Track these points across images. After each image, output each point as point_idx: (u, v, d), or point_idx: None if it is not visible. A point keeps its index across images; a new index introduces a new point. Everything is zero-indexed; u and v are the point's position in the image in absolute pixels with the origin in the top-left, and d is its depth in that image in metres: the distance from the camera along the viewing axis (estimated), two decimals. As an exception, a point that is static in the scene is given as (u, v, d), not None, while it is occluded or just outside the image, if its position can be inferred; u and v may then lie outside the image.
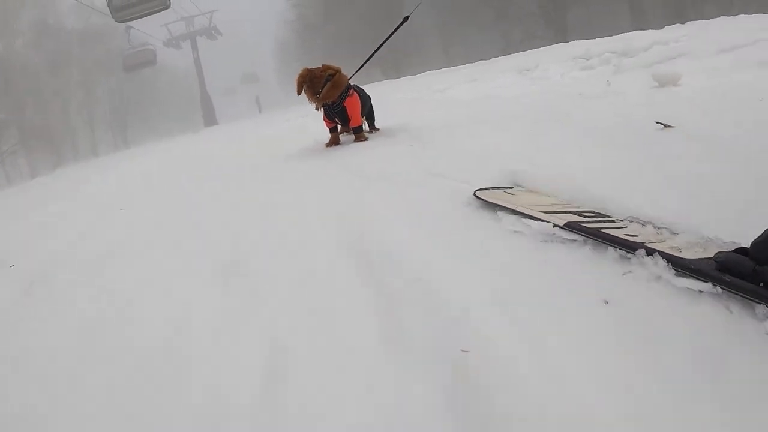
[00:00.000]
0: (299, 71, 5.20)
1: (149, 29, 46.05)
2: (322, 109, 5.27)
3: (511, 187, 2.59)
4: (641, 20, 33.41)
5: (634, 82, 5.45)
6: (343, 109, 5.21)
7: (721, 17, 8.91)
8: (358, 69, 5.81)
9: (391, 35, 5.76)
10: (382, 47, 5.75)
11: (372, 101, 5.88)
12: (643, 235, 1.83)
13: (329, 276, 2.12)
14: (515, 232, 2.17)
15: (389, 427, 1.34)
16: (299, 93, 5.20)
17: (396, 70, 38.55)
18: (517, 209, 2.21)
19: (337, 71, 5.16)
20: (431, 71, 19.65)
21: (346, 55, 44.89)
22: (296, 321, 1.81)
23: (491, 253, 2.03)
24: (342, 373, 1.53)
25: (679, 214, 1.95)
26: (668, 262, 1.66)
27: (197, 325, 1.93)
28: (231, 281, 2.27)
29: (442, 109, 6.68)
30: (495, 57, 17.14)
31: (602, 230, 1.86)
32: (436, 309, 1.71)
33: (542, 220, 2.06)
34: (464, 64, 18.05)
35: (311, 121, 7.69)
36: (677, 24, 9.29)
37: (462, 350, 1.50)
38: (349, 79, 5.47)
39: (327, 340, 1.67)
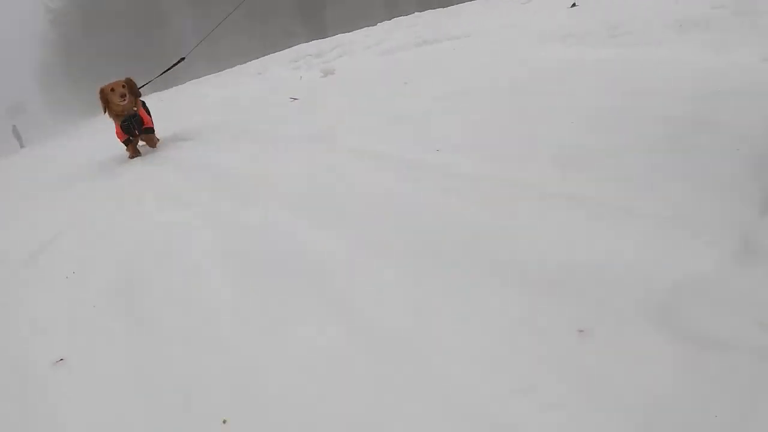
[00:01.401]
0: (99, 89, 5.28)
1: None
2: (116, 123, 5.37)
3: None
4: (395, 11, 36.54)
5: (314, 74, 8.42)
6: (139, 118, 5.40)
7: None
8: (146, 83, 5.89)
9: (165, 72, 6.21)
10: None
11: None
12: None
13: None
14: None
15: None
16: (105, 111, 5.29)
17: (164, 82, 38.93)
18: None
19: (128, 80, 5.34)
20: (197, 79, 22.07)
21: (110, 68, 44.49)
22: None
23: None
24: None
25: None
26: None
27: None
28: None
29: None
30: (253, 58, 19.67)
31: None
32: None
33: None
34: (228, 68, 20.79)
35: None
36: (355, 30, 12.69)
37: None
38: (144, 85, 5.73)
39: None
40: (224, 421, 1.40)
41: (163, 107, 10.07)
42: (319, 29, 37.29)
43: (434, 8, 13.47)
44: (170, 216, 3.10)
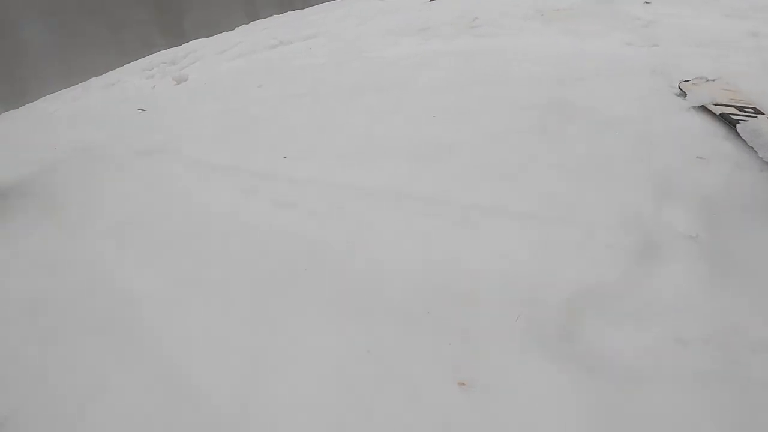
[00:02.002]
0: None
1: None
2: None
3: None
4: (253, 16, 36.59)
5: (167, 82, 8.00)
6: None
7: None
8: None
9: None
10: None
11: None
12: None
13: None
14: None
15: None
16: None
17: (20, 97, 36.88)
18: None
19: None
20: (51, 94, 20.75)
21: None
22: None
23: None
24: None
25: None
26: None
27: None
28: None
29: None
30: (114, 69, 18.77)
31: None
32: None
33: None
34: (86, 79, 19.65)
35: None
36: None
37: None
38: None
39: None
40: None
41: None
42: (178, 37, 36.32)
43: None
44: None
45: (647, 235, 1.49)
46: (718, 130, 2.18)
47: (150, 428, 1.33)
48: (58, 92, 21.13)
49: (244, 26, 12.56)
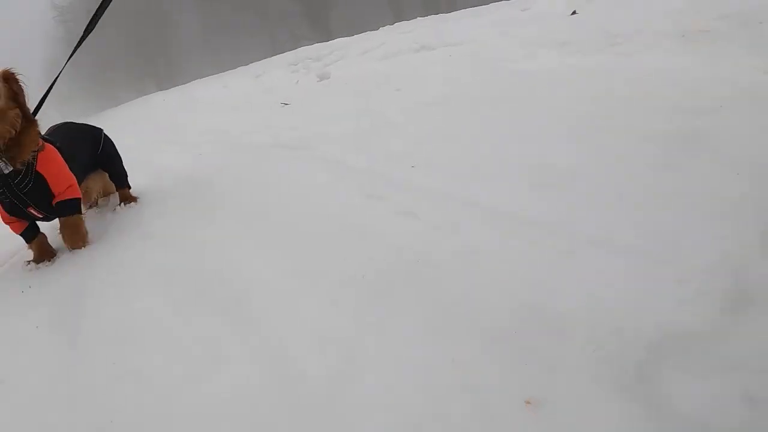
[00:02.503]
0: None
1: None
2: None
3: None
4: (399, 15, 37.02)
5: (311, 78, 8.29)
6: (39, 179, 2.73)
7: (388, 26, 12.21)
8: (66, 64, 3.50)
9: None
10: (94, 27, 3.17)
11: (105, 132, 3.55)
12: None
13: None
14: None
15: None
16: None
17: (170, 81, 39.52)
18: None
19: (14, 96, 2.66)
20: (199, 79, 22.10)
21: (118, 67, 45.05)
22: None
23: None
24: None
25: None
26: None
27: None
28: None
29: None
30: (260, 60, 19.70)
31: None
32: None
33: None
34: (235, 67, 20.82)
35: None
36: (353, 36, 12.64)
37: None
38: (41, 104, 3.12)
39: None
40: None
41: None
42: (324, 33, 37.44)
43: (438, 14, 13.43)
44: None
45: (744, 285, 1.43)
46: None
47: (254, 396, 1.48)
48: (207, 77, 22.39)
49: (388, 27, 12.73)
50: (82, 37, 3.39)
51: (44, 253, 2.93)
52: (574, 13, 6.48)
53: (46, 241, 2.99)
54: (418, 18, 13.30)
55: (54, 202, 2.82)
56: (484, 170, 2.53)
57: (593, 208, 1.99)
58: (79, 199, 2.92)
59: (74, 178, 2.91)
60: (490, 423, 1.22)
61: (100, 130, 3.52)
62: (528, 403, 1.23)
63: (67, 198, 2.83)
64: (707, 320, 1.35)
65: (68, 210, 2.86)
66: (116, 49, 43.57)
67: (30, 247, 2.97)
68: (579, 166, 2.32)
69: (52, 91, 3.34)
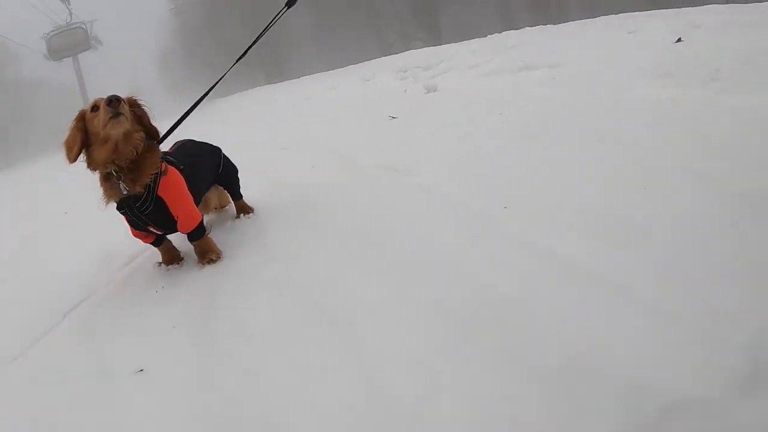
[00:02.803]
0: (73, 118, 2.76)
1: (27, 41, 44.58)
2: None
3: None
4: (508, 20, 36.58)
5: (418, 88, 8.62)
6: (160, 203, 2.86)
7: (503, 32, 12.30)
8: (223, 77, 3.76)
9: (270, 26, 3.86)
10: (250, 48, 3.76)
11: (224, 152, 3.70)
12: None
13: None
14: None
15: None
16: (74, 160, 2.71)
17: (279, 73, 40.55)
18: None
19: (138, 119, 2.82)
20: (307, 76, 22.90)
21: (228, 60, 46.07)
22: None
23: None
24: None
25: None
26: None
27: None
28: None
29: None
30: (369, 59, 20.11)
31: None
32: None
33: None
34: (342, 66, 21.49)
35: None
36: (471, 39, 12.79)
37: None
38: (169, 133, 3.26)
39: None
40: None
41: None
42: (433, 33, 37.36)
43: (543, 23, 13.37)
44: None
45: (762, 365, 1.49)
46: None
47: (350, 406, 1.70)
48: (316, 74, 22.93)
49: (496, 35, 12.83)
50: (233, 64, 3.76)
51: (173, 258, 3.23)
52: (679, 40, 6.50)
53: (173, 245, 3.25)
54: (527, 28, 13.30)
55: (182, 233, 3.06)
56: (568, 218, 2.60)
57: (652, 269, 2.04)
58: (201, 222, 3.10)
59: (193, 204, 3.07)
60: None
61: (219, 149, 3.68)
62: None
63: (191, 228, 3.03)
64: (720, 394, 1.43)
65: (196, 236, 3.08)
66: (230, 38, 45.21)
67: (161, 250, 3.23)
68: (652, 224, 2.36)
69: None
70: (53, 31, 42.84)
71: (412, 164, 3.96)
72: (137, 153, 2.74)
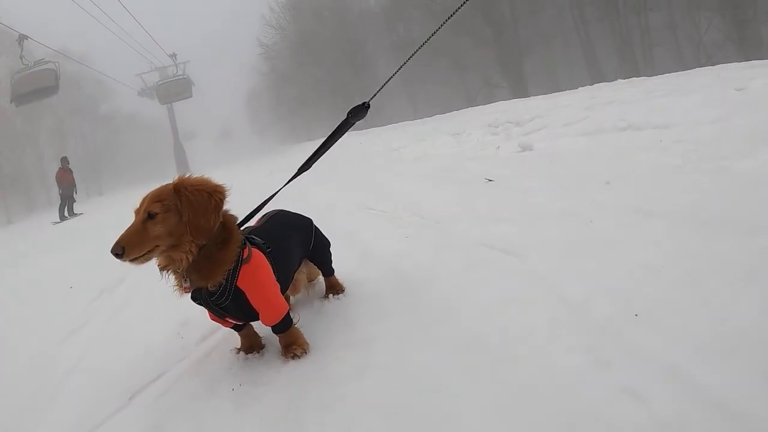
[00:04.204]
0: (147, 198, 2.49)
1: (123, 78, 48.25)
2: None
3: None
4: (595, 69, 36.31)
5: (512, 145, 8.49)
6: (239, 295, 2.60)
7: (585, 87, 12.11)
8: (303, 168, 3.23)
9: (341, 133, 3.20)
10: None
11: (315, 224, 3.44)
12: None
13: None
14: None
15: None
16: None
17: (364, 120, 41.29)
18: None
19: (217, 206, 2.50)
20: (393, 125, 23.38)
21: (314, 102, 48.59)
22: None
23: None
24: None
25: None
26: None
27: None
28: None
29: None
30: (457, 106, 20.32)
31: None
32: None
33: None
34: (430, 115, 21.86)
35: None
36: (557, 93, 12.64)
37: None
38: (255, 213, 3.14)
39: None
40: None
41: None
42: (518, 81, 37.50)
43: (630, 70, 13.17)
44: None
45: None
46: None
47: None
48: (401, 123, 23.24)
49: (588, 87, 12.64)
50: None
51: (253, 345, 2.96)
52: (804, 100, 6.15)
53: (254, 332, 2.99)
54: (620, 80, 13.07)
55: (262, 323, 2.77)
56: (712, 347, 2.06)
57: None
58: (288, 312, 2.78)
59: (279, 294, 2.78)
60: None
61: (310, 221, 3.39)
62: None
63: (275, 322, 2.73)
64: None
65: (281, 328, 2.77)
66: (317, 87, 47.28)
67: (241, 336, 2.98)
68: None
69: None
70: (161, 81, 47.58)
71: (519, 246, 3.58)
72: (190, 258, 2.47)
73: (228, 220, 2.61)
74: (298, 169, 3.19)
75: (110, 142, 60.41)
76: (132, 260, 2.34)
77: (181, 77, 46.99)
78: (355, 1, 48.89)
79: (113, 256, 2.32)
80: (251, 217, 3.00)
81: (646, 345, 2.16)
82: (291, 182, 3.21)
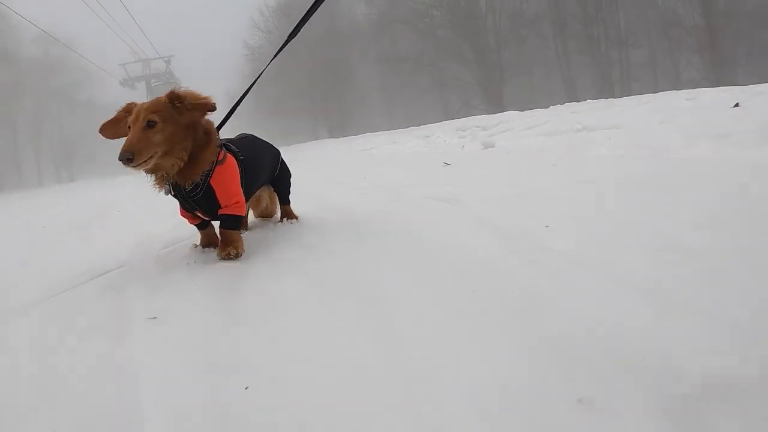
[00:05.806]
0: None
1: (107, 67, 48.11)
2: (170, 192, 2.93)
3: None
4: (573, 98, 36.84)
5: (476, 145, 8.80)
6: (209, 191, 2.93)
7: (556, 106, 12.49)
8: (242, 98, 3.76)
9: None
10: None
11: (282, 155, 3.93)
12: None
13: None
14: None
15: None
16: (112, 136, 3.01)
17: (342, 129, 42.14)
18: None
19: (202, 108, 2.78)
20: (370, 133, 23.70)
21: (293, 107, 48.51)
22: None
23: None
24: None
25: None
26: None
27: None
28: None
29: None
30: (434, 121, 20.59)
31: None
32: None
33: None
34: (406, 127, 22.16)
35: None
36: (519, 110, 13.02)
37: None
38: (225, 120, 3.45)
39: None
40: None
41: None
42: (497, 104, 37.87)
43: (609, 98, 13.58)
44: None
45: None
46: None
47: (365, 376, 1.61)
48: (378, 132, 23.43)
49: (558, 106, 13.04)
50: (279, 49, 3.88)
51: (211, 242, 3.27)
52: (736, 105, 6.58)
53: (215, 232, 3.25)
54: (589, 100, 13.43)
55: (219, 213, 3.01)
56: (606, 235, 2.62)
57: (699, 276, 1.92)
58: (242, 217, 3.08)
59: (242, 195, 3.09)
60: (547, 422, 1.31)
61: (279, 152, 3.87)
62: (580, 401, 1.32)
63: (230, 213, 3.00)
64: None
65: (229, 224, 3.00)
66: (299, 95, 47.14)
67: (201, 234, 3.31)
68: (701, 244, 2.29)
69: (232, 123, 3.66)
70: (156, 83, 49.00)
71: (461, 197, 3.98)
72: (182, 164, 2.80)
73: (208, 125, 2.95)
74: (288, 36, 3.82)
75: (87, 130, 59.62)
76: (137, 166, 2.58)
77: (171, 79, 47.70)
78: (344, 11, 49.10)
79: (122, 163, 2.55)
80: (225, 122, 3.37)
81: (549, 241, 2.65)
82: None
